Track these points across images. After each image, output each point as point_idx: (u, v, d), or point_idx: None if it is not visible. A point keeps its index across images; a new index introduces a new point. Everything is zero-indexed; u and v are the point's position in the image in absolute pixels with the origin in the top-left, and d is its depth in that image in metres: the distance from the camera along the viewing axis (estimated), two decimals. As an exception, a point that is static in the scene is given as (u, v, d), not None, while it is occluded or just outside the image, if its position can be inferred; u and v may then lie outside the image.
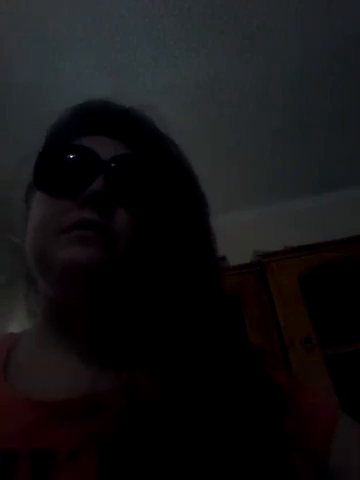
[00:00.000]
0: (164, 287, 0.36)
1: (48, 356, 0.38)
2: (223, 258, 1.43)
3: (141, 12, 1.13)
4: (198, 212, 0.41)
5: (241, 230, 1.73)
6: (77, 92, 1.26)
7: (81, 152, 0.38)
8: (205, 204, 0.42)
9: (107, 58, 1.24)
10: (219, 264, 0.42)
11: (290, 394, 0.35)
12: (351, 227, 1.40)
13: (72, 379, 0.35)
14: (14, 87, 1.29)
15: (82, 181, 0.36)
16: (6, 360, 0.38)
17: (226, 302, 0.40)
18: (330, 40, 1.26)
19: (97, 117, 0.42)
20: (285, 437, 0.30)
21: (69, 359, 0.37)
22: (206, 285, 0.37)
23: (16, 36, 1.16)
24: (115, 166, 0.38)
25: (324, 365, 1.12)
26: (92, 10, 1.12)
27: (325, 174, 1.81)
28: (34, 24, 1.13)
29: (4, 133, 1.43)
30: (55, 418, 0.31)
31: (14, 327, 1.51)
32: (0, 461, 0.28)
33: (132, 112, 0.43)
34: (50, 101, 1.29)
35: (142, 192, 0.38)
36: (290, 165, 1.74)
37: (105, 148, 0.39)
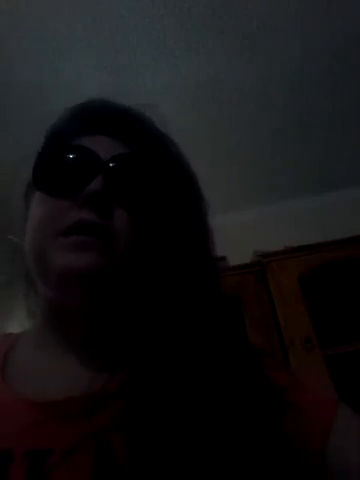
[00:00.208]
0: (162, 287, 0.36)
1: (46, 357, 0.38)
2: (223, 258, 1.43)
3: (141, 12, 1.13)
4: (197, 212, 0.41)
5: (241, 230, 1.73)
6: (77, 92, 1.26)
7: (80, 152, 0.38)
8: (204, 204, 0.42)
9: (107, 58, 1.24)
10: (217, 264, 0.42)
11: (290, 395, 0.35)
12: (351, 227, 1.40)
13: (70, 380, 0.35)
14: (14, 87, 1.29)
15: (81, 181, 0.36)
16: (4, 360, 0.38)
17: (225, 302, 0.39)
18: (330, 40, 1.26)
19: (96, 117, 0.42)
20: (285, 438, 0.30)
21: (67, 360, 0.37)
22: (204, 285, 0.37)
23: (16, 36, 1.16)
24: (114, 166, 0.37)
25: (324, 365, 1.11)
26: (92, 10, 1.12)
27: (325, 174, 1.81)
28: (34, 24, 1.13)
29: (4, 133, 1.43)
30: (52, 418, 0.31)
31: (14, 327, 1.51)
32: None
33: (131, 111, 0.43)
34: (50, 101, 1.28)
35: (141, 192, 0.38)
36: (290, 165, 1.74)
37: (104, 148, 0.39)
